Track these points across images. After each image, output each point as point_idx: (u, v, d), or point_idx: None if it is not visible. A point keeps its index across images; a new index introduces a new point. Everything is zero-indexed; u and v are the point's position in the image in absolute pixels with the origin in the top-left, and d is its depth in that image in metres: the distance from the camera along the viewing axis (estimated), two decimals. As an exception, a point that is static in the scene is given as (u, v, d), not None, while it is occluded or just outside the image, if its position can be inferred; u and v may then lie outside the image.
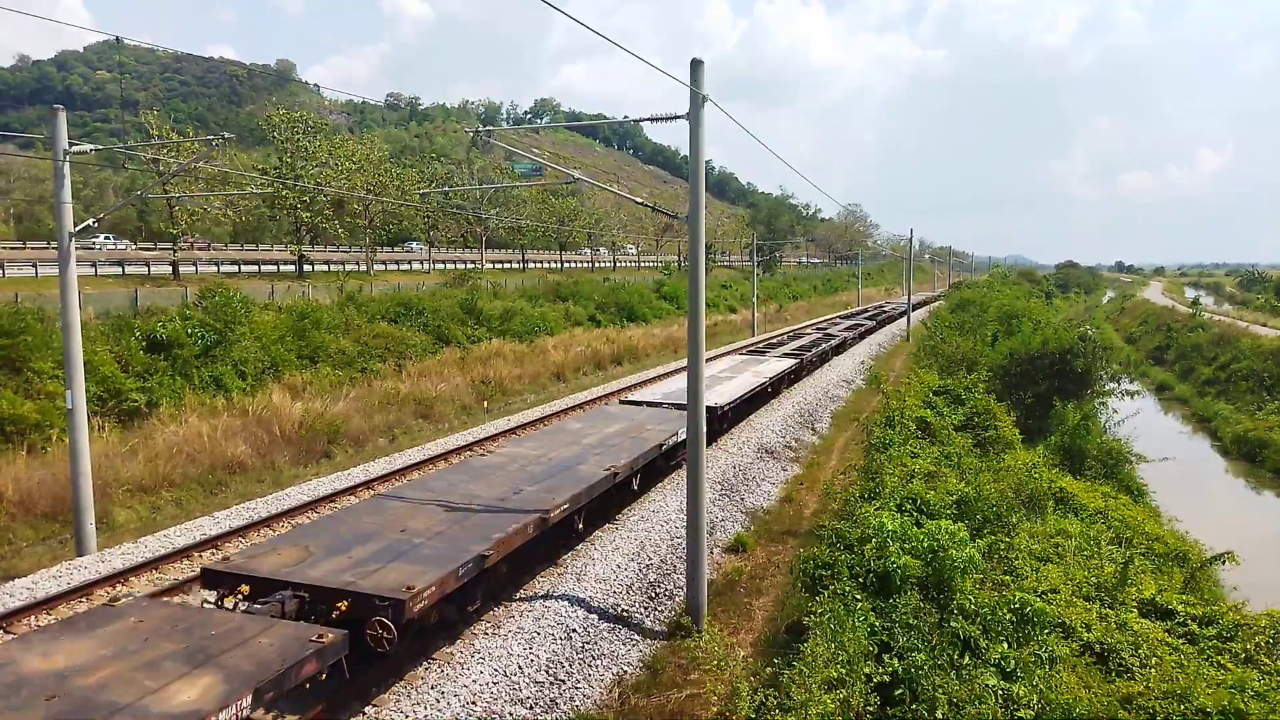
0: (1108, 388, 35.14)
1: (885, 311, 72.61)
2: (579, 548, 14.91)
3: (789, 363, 32.29)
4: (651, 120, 12.73)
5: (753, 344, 44.15)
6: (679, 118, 12.08)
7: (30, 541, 16.96)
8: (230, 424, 23.28)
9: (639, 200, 16.31)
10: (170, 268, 52.45)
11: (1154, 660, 12.70)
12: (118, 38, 31.50)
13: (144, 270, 52.93)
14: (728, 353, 38.92)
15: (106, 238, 71.70)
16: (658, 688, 11.20)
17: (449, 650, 11.04)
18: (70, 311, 15.94)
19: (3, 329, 22.76)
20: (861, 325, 56.33)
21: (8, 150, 79.28)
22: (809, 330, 52.45)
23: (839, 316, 69.62)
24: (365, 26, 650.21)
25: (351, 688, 9.74)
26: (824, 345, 40.85)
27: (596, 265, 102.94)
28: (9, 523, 17.14)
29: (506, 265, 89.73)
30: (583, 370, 40.62)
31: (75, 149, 16.11)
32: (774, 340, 44.87)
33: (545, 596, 12.83)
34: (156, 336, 26.03)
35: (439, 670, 10.54)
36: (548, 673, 11.01)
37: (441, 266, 74.73)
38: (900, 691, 9.62)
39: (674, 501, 17.30)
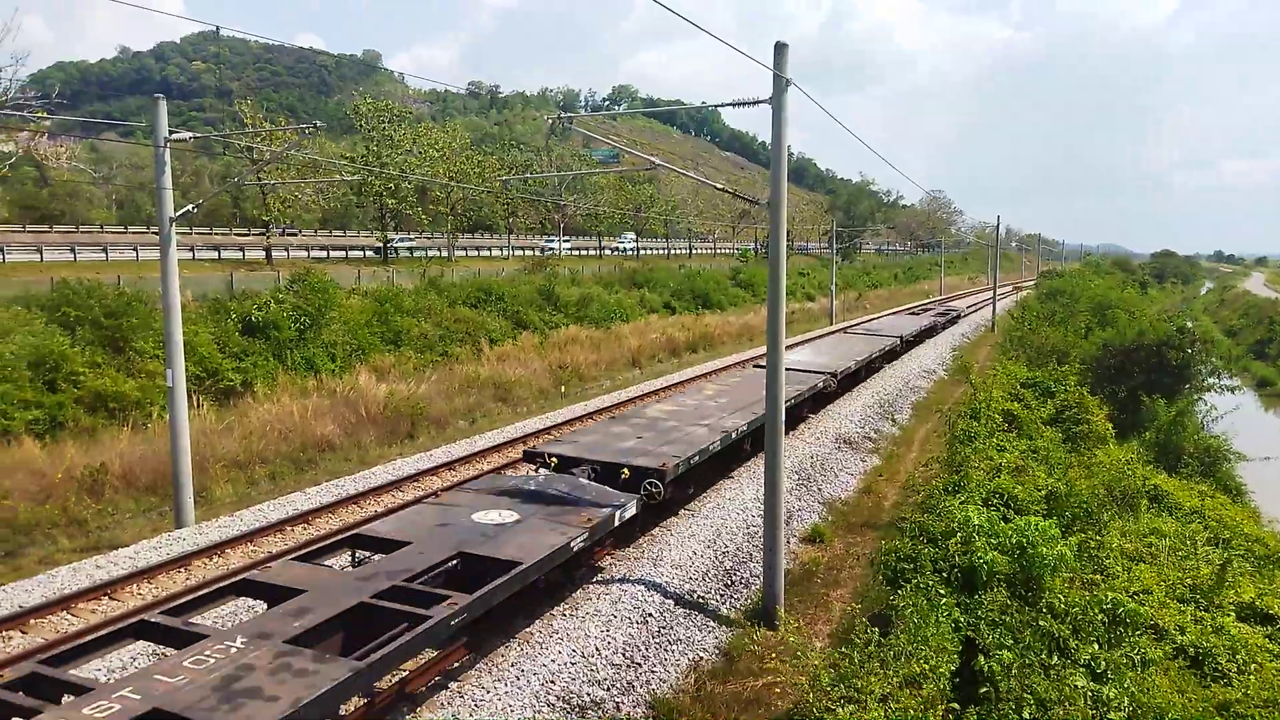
0: (1207, 382, 33.66)
1: (967, 301, 70.71)
2: (654, 532, 14.98)
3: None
4: (733, 105, 12.59)
5: (838, 330, 43.55)
6: (761, 102, 11.92)
7: (132, 514, 17.77)
8: (319, 404, 23.97)
9: (718, 185, 16.19)
10: (264, 252, 54.33)
11: (1253, 666, 12.16)
12: (216, 28, 32.63)
13: (239, 255, 55.03)
14: (809, 340, 38.48)
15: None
16: (734, 675, 11.19)
17: (528, 630, 11.21)
18: (171, 294, 16.58)
19: (107, 310, 23.80)
20: (944, 314, 55.01)
21: (110, 138, 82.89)
22: (889, 317, 51.49)
23: (920, 305, 68.15)
24: (446, 14, 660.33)
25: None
26: (906, 332, 39.95)
27: (672, 252, 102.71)
28: (112, 495, 17.98)
29: (584, 252, 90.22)
30: (658, 357, 40.61)
31: (175, 136, 16.72)
32: (854, 327, 44.14)
33: (622, 580, 12.91)
34: (252, 319, 26.95)
35: (519, 649, 10.72)
36: (624, 655, 11.09)
37: (520, 253, 75.58)
38: (985, 690, 9.40)
39: (750, 490, 17.21)
